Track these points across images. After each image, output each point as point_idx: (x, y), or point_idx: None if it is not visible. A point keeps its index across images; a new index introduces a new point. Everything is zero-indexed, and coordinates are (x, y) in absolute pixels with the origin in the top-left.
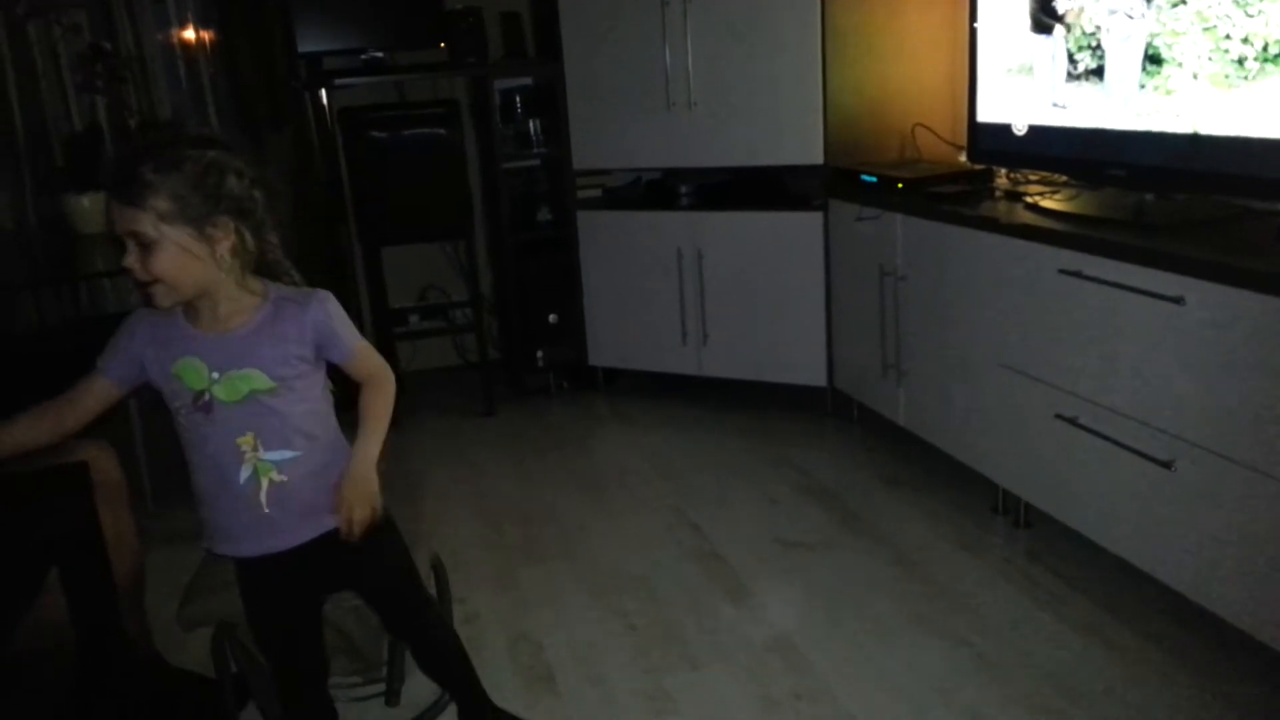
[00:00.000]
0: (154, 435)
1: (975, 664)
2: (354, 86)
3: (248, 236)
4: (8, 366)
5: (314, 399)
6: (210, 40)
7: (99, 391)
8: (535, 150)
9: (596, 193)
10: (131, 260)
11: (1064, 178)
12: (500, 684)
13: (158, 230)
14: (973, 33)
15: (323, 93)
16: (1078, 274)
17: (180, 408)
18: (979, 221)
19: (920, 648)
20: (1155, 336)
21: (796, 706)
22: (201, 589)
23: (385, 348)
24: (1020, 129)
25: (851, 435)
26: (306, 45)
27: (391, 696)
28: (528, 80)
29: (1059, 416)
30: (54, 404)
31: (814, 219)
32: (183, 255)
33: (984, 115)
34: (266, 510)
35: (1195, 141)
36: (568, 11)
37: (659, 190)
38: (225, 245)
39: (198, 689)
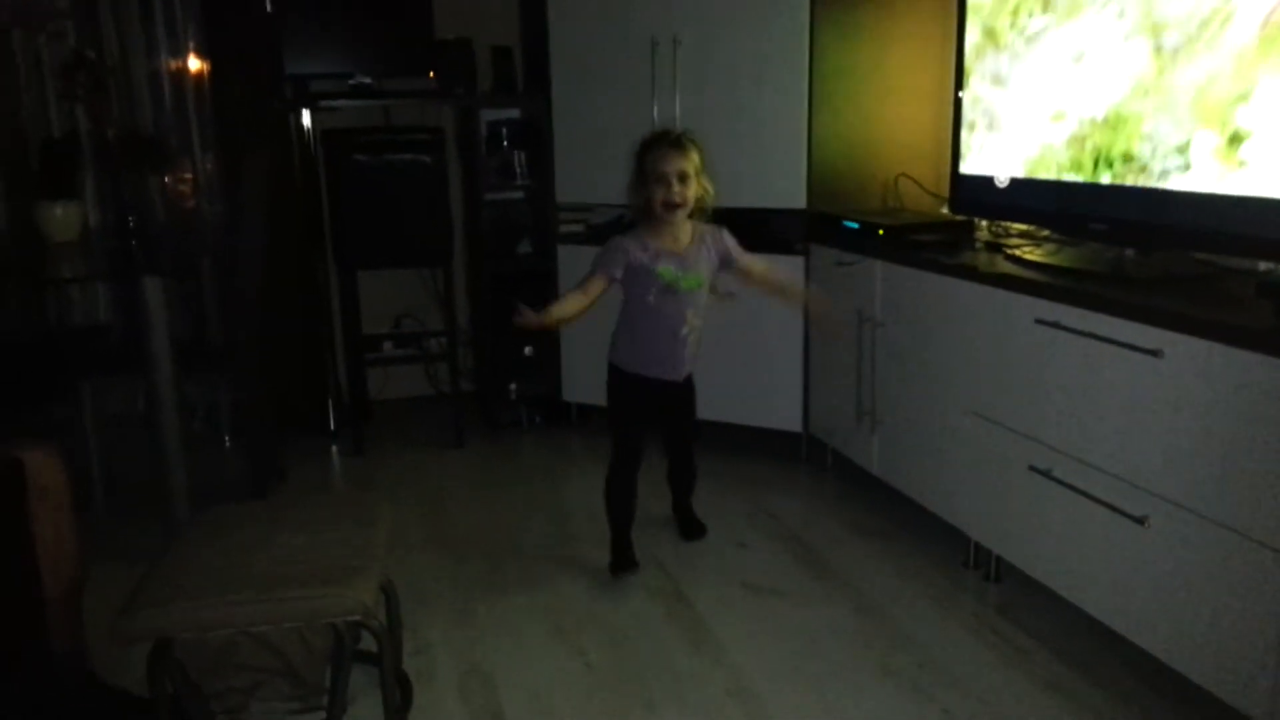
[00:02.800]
0: (107, 445)
1: (941, 718)
2: (339, 109)
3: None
4: None
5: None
6: (196, 55)
7: (602, 285)
8: (519, 183)
9: (579, 228)
10: (676, 189)
11: (1046, 231)
12: (446, 717)
13: (695, 169)
14: (958, 101)
15: (306, 114)
16: (1055, 324)
17: (653, 288)
18: (958, 270)
19: (885, 700)
20: (1132, 390)
21: None
22: (141, 603)
23: (356, 374)
24: (1002, 181)
25: (824, 482)
26: (294, 67)
27: None
28: (515, 113)
29: (1032, 468)
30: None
31: (795, 262)
32: (696, 189)
33: (966, 167)
34: (684, 353)
35: (1176, 198)
36: (558, 47)
37: None
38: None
39: (132, 708)
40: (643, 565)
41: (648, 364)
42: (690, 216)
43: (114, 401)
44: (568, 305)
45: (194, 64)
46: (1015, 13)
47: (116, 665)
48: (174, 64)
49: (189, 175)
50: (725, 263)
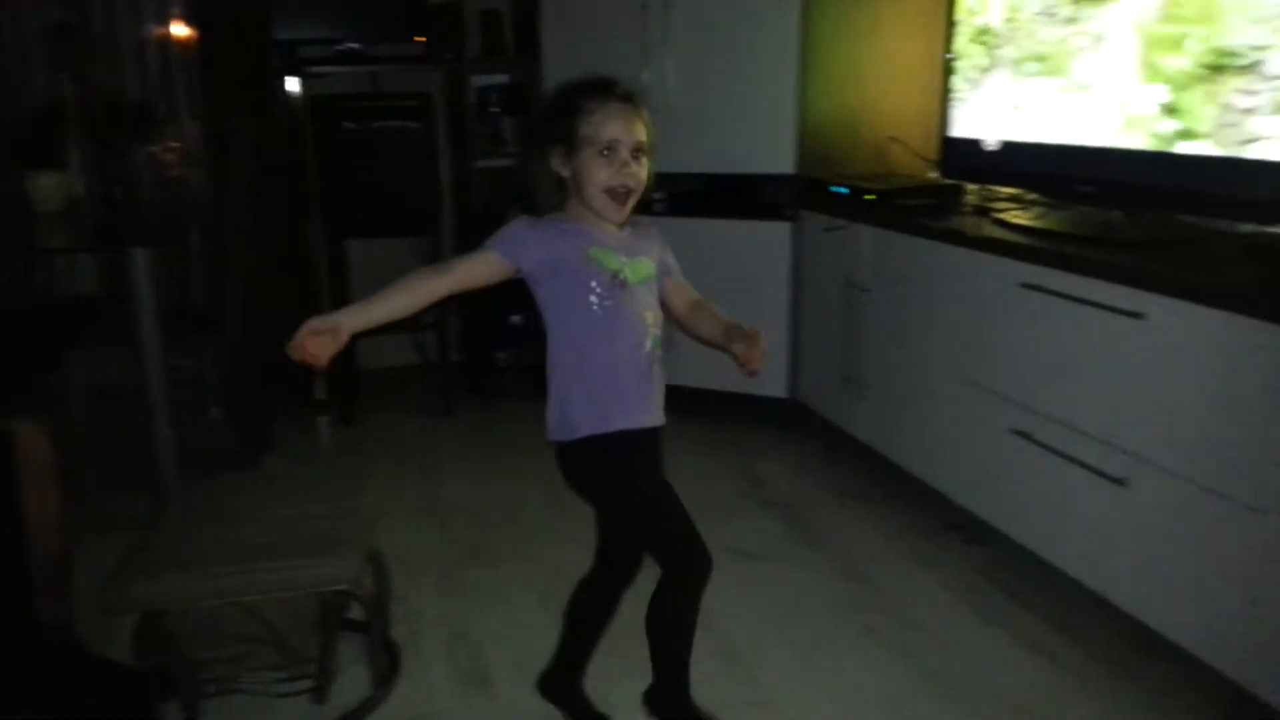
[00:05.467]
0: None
1: (924, 679)
2: (327, 76)
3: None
4: None
5: None
6: (183, 22)
7: (492, 264)
8: (509, 150)
9: None
10: (630, 168)
11: (1034, 195)
12: (433, 683)
13: (651, 141)
14: (947, 63)
15: (294, 81)
16: (1040, 288)
17: (595, 285)
18: (944, 234)
19: (869, 662)
20: (1114, 352)
21: (743, 716)
22: (129, 574)
23: (346, 344)
24: (991, 145)
25: (811, 448)
26: (282, 32)
27: (320, 692)
28: (504, 78)
29: (1014, 432)
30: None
31: (784, 229)
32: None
33: (956, 130)
34: (652, 380)
35: (1163, 160)
36: (548, 11)
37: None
38: None
39: (120, 679)
40: None
41: (613, 409)
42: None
43: (102, 372)
44: (384, 304)
45: (181, 30)
46: None
47: (105, 635)
48: (161, 31)
49: (176, 144)
50: (663, 270)
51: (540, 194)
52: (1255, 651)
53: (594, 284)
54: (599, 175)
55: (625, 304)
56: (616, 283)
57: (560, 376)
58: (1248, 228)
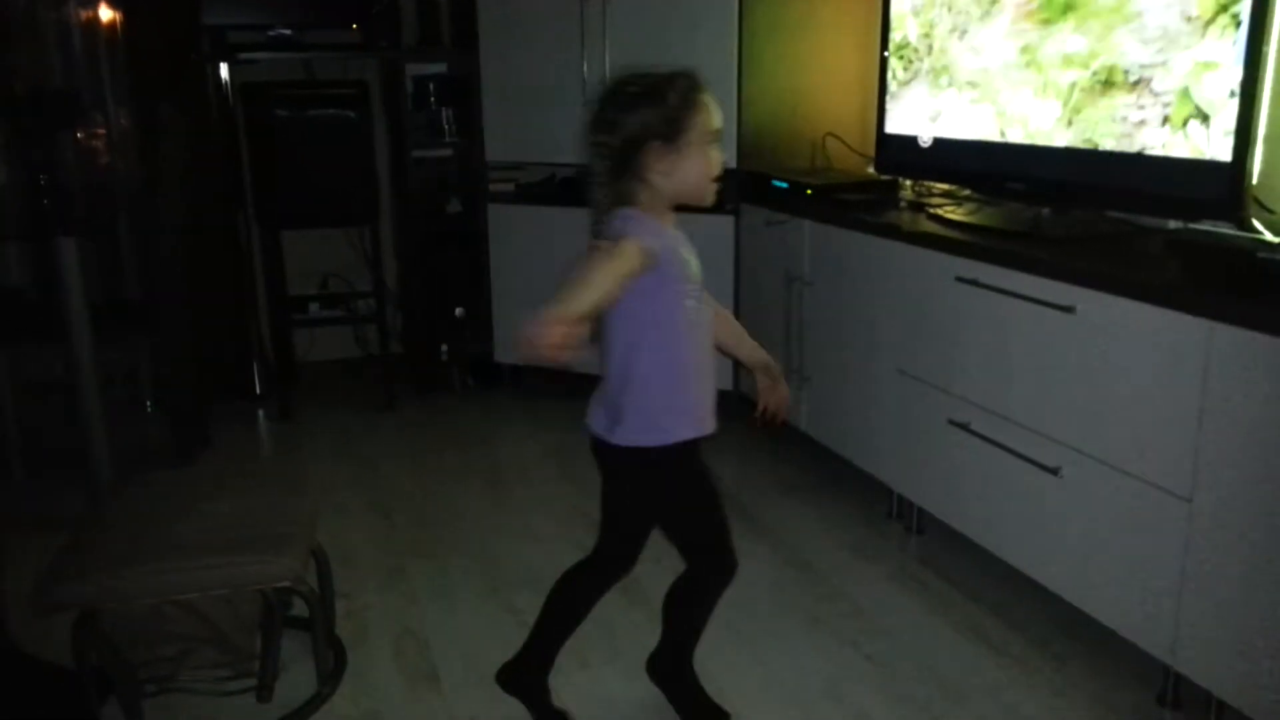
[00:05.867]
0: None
1: (865, 666)
2: (259, 62)
3: None
4: None
5: None
6: (107, 5)
7: (635, 255)
8: (447, 140)
9: (509, 187)
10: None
11: (967, 191)
12: (380, 680)
13: None
14: (884, 60)
15: (224, 67)
16: (974, 282)
17: (689, 289)
18: (882, 229)
19: (812, 650)
20: (1046, 345)
21: None
22: (62, 573)
23: (282, 336)
24: (925, 141)
25: (754, 440)
26: (211, 17)
27: (263, 691)
28: (442, 68)
29: (952, 422)
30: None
31: (725, 222)
32: None
33: (891, 127)
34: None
35: (1091, 157)
36: (486, 1)
37: (573, 187)
38: None
39: (57, 680)
40: (576, 525)
41: (706, 413)
42: None
43: (32, 367)
44: (588, 292)
45: (105, 14)
46: None
47: (41, 637)
48: (84, 14)
49: (102, 131)
50: None
51: (618, 192)
52: (1184, 634)
53: (688, 286)
54: (712, 164)
55: (705, 306)
56: (697, 284)
57: (655, 382)
58: (1173, 224)
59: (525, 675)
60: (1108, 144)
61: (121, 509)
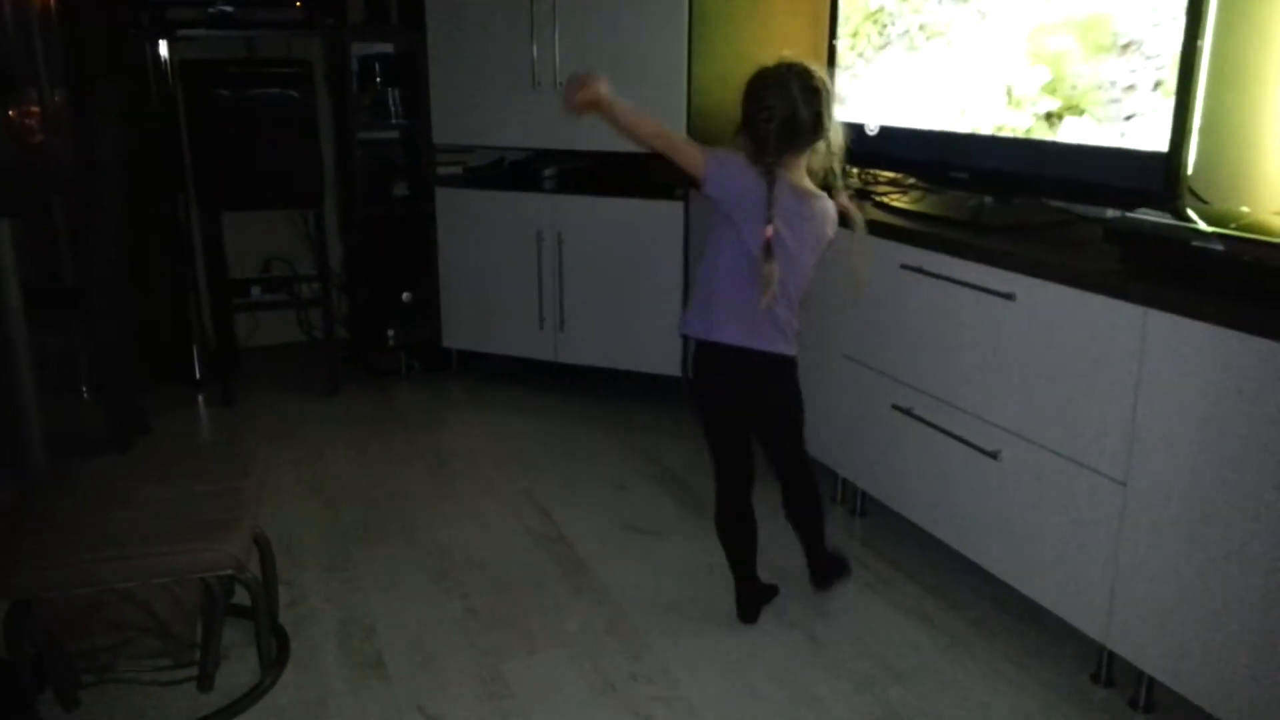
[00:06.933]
0: None
1: (808, 645)
2: (199, 40)
3: None
4: None
5: None
6: None
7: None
8: (394, 121)
9: (457, 170)
10: None
11: (912, 179)
12: (324, 668)
13: None
14: (831, 48)
15: (163, 44)
16: (918, 269)
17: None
18: None
19: (758, 631)
20: (987, 331)
21: (632, 688)
22: None
23: (223, 320)
24: (872, 129)
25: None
26: None
27: (204, 680)
28: (388, 48)
29: (895, 407)
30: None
31: (675, 208)
32: None
33: (839, 114)
34: None
35: (1032, 147)
36: None
37: (522, 171)
38: None
39: None
40: (523, 510)
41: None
42: None
43: None
44: (644, 122)
45: None
46: None
47: None
48: None
49: (35, 108)
50: None
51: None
52: (1119, 614)
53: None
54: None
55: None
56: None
57: (796, 307)
58: (1111, 213)
59: (752, 587)
60: (1048, 134)
61: (55, 496)
